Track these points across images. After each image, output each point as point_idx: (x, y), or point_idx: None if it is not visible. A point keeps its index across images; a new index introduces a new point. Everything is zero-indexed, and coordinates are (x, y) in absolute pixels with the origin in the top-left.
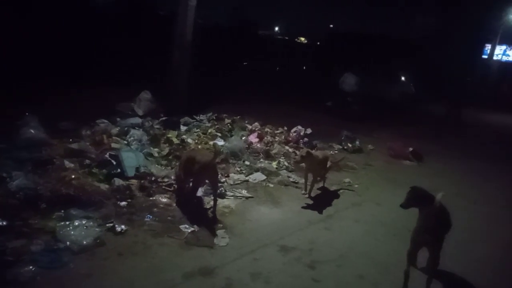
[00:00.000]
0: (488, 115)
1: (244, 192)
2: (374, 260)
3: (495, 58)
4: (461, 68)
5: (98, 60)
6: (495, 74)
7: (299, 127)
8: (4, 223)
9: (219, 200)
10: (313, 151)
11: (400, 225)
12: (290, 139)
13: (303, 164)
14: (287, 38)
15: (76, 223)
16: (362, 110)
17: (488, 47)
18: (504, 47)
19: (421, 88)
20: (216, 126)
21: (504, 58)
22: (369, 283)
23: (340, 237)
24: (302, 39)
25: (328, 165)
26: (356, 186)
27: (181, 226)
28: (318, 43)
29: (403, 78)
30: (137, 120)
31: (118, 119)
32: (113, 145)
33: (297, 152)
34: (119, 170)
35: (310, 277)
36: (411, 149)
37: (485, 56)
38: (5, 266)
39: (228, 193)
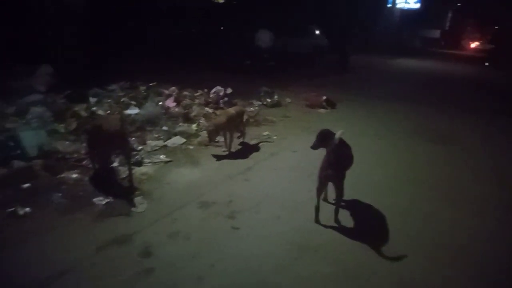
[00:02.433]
0: (390, 60)
1: (163, 157)
2: (289, 202)
3: (397, 6)
4: (368, 18)
5: None
6: (397, 21)
7: (218, 87)
8: None
9: (137, 168)
10: (227, 109)
11: (313, 167)
12: (210, 100)
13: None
14: None
15: None
16: (278, 65)
17: None
18: None
19: (333, 39)
20: (130, 95)
21: (406, 6)
22: (284, 222)
23: (258, 186)
24: None
25: (244, 119)
26: (275, 137)
27: (95, 199)
28: (234, 1)
29: (316, 32)
30: (38, 97)
31: (14, 98)
32: (9, 125)
33: (217, 112)
34: (18, 151)
35: (230, 226)
36: (324, 97)
37: (389, 5)
38: None
39: (145, 160)
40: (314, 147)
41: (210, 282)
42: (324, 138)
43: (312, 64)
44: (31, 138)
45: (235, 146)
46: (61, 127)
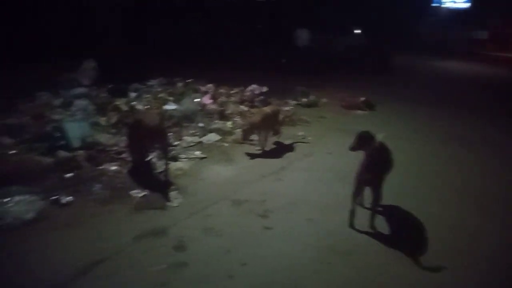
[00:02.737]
0: (433, 61)
1: (198, 153)
2: (322, 204)
3: (445, 5)
4: (411, 17)
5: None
6: (443, 21)
7: (254, 85)
8: None
9: (173, 163)
10: (262, 108)
11: (349, 170)
12: (245, 98)
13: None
14: None
15: (17, 199)
16: (315, 64)
17: None
18: None
19: (373, 39)
20: (168, 91)
21: (453, 5)
22: (317, 225)
23: (292, 186)
24: None
25: (280, 119)
26: (310, 138)
27: (132, 192)
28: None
29: (356, 31)
30: (82, 90)
31: (61, 90)
32: (56, 117)
33: (252, 111)
34: (63, 142)
35: (262, 225)
36: (363, 99)
37: (435, 4)
38: None
39: (181, 155)
40: (353, 148)
41: (241, 280)
42: (363, 140)
43: (350, 64)
44: (75, 130)
45: (269, 145)
46: (102, 120)
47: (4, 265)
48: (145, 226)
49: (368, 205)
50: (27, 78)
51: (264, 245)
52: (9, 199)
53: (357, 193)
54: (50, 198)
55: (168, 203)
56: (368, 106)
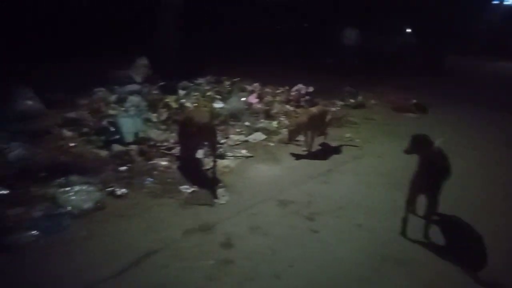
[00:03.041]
0: (491, 62)
1: (244, 152)
2: (372, 210)
3: (507, 2)
4: (468, 15)
5: (82, 29)
6: (504, 19)
7: (300, 85)
8: (5, 192)
9: (219, 161)
10: (310, 108)
11: (400, 175)
12: (291, 98)
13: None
14: None
15: (76, 189)
16: (363, 65)
17: None
18: None
19: (425, 38)
20: (215, 89)
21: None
22: (366, 231)
23: (339, 189)
24: None
25: (327, 120)
26: (358, 140)
27: (181, 187)
28: None
29: (407, 30)
30: (135, 87)
31: (115, 87)
32: (111, 112)
33: (298, 111)
34: (118, 136)
35: (309, 228)
36: (414, 101)
37: (496, 2)
38: (7, 232)
39: (228, 153)
40: (407, 152)
41: (288, 282)
42: (419, 144)
43: (400, 65)
44: (129, 125)
45: (315, 146)
46: (153, 116)
47: (66, 250)
48: (194, 221)
49: (421, 213)
50: (84, 73)
51: (311, 248)
52: (69, 188)
53: (411, 200)
54: (106, 190)
55: (216, 200)
56: (420, 108)
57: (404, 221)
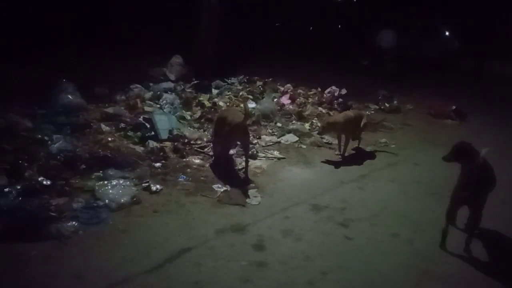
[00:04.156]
0: None
1: (276, 153)
2: (409, 219)
3: None
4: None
5: (122, 25)
6: None
7: (333, 87)
8: (47, 182)
9: (251, 161)
10: (346, 111)
11: (438, 184)
12: (324, 100)
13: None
14: None
15: (114, 183)
16: (400, 68)
17: None
18: None
19: (466, 42)
20: (248, 89)
21: None
22: (403, 241)
23: (374, 196)
24: None
25: (362, 124)
26: (393, 146)
27: (214, 186)
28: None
29: (446, 33)
30: (170, 85)
31: (151, 84)
32: (147, 109)
33: (331, 113)
34: (153, 132)
35: (342, 234)
36: (453, 107)
37: None
38: (50, 221)
39: (260, 154)
40: (447, 160)
41: None
42: (461, 153)
43: (439, 69)
44: (164, 122)
45: (349, 151)
46: (187, 114)
47: (105, 242)
48: (226, 221)
49: (462, 226)
50: (121, 69)
51: (346, 256)
52: (107, 182)
53: (453, 212)
54: (142, 185)
55: (248, 201)
56: (459, 115)
57: (444, 233)
